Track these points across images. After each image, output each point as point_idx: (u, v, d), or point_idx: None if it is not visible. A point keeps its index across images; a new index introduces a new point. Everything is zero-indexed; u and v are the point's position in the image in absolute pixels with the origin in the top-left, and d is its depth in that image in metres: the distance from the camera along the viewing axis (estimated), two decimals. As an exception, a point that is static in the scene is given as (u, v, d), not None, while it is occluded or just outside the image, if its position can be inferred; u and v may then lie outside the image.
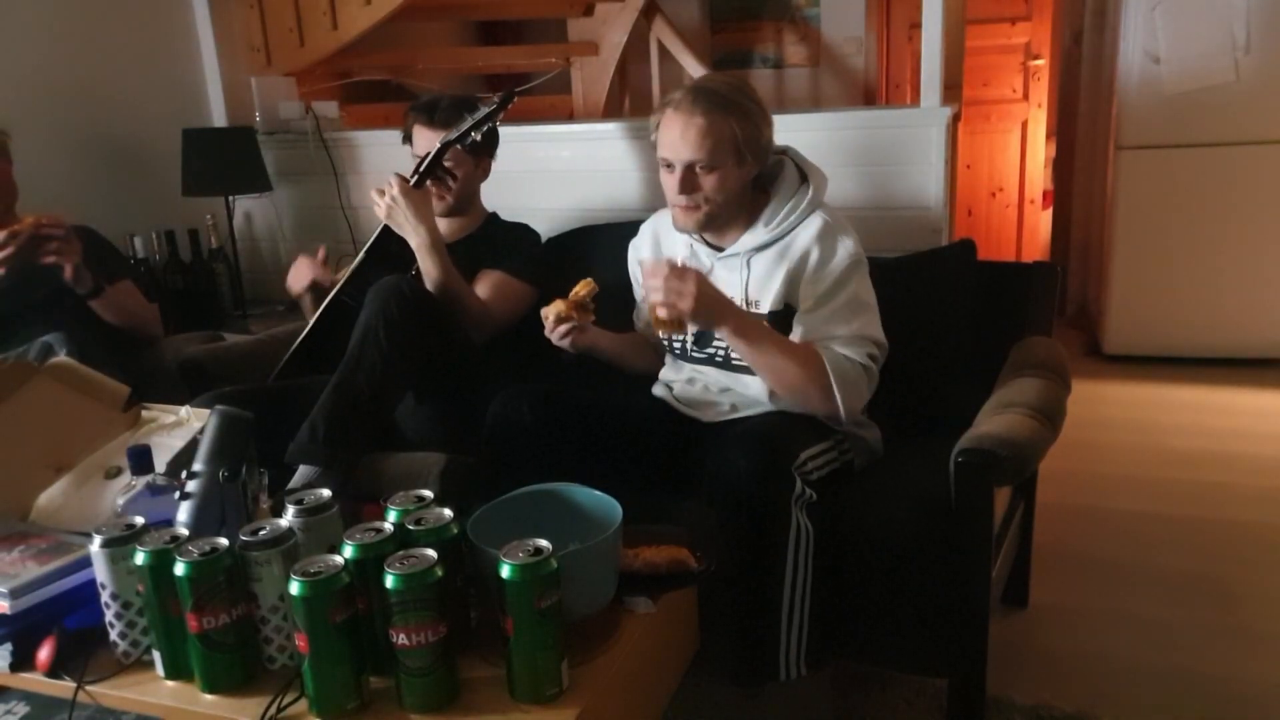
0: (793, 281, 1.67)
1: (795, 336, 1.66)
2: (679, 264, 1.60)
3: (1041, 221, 4.84)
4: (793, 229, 1.68)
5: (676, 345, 1.82)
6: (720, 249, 1.75)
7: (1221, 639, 1.94)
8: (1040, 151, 4.87)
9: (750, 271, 1.71)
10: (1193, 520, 2.43)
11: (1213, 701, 1.75)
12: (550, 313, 1.75)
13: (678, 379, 1.85)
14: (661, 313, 1.58)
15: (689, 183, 1.65)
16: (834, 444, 1.69)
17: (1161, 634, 1.96)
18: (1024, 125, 4.88)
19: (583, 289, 1.74)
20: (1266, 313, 3.50)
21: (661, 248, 1.87)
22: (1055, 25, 4.69)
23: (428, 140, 2.07)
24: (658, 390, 1.88)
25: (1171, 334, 3.62)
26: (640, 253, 1.92)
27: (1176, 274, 3.56)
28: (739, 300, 1.71)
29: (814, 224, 1.68)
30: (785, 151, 1.76)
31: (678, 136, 1.62)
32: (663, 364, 1.91)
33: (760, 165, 1.69)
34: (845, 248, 1.66)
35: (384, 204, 1.96)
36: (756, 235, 1.70)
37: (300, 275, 2.17)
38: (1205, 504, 2.51)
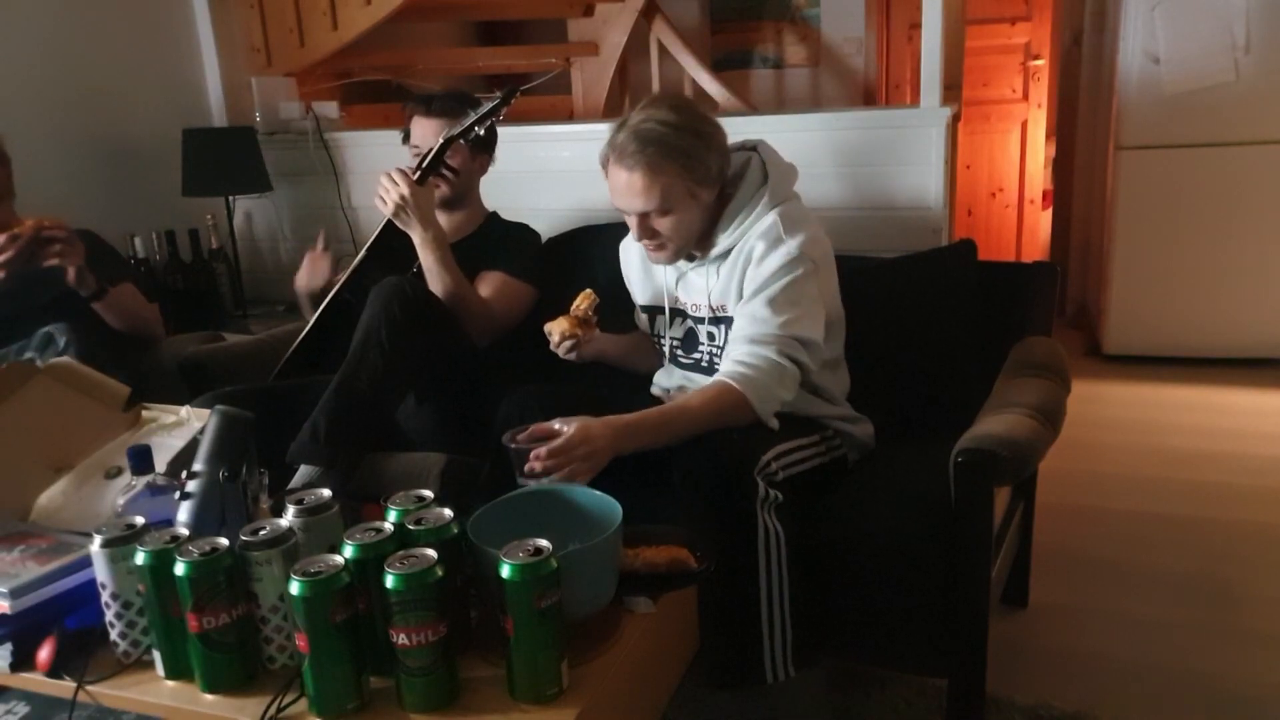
0: (744, 281, 1.65)
1: (733, 330, 1.64)
2: (556, 428, 1.45)
3: (1041, 221, 4.84)
4: (748, 231, 1.65)
5: (665, 348, 1.82)
6: (694, 257, 1.74)
7: (1221, 639, 1.94)
8: (1040, 151, 4.87)
9: (716, 278, 1.70)
10: (1193, 520, 2.43)
11: (1213, 701, 1.75)
12: (555, 331, 1.73)
13: (670, 384, 1.84)
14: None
15: (646, 229, 1.64)
16: (820, 439, 1.68)
17: (1161, 634, 1.96)
18: (1024, 125, 4.88)
19: (583, 302, 1.73)
20: (1266, 313, 3.51)
21: None
22: (1055, 25, 4.69)
23: (426, 130, 2.06)
24: (656, 392, 1.87)
25: (1171, 334, 3.62)
26: (630, 253, 1.91)
27: (1176, 274, 3.56)
28: (704, 307, 1.71)
29: (765, 222, 1.64)
30: (755, 148, 1.71)
31: (623, 190, 1.60)
32: (665, 363, 1.91)
33: (719, 186, 1.65)
34: (787, 246, 1.60)
35: (391, 200, 1.93)
36: (718, 242, 1.68)
37: (316, 272, 2.17)
38: (1205, 504, 2.51)
